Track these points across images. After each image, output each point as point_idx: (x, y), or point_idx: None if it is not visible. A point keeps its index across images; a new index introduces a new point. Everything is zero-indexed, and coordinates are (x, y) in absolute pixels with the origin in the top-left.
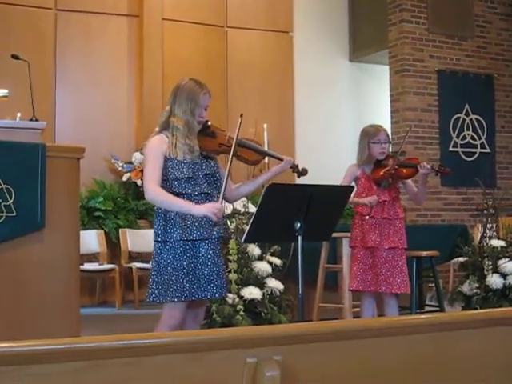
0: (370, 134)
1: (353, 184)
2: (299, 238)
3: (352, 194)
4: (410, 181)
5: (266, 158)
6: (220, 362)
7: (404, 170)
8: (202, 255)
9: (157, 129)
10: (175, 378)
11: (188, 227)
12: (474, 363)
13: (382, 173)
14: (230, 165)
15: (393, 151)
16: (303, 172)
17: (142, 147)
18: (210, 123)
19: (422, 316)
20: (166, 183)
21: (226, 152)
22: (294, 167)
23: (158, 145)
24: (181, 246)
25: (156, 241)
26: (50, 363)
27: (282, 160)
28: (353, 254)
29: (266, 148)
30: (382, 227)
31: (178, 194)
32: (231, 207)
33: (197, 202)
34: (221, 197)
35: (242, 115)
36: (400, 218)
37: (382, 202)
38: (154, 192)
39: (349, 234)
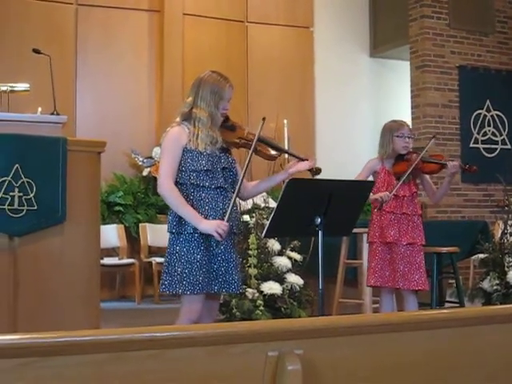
0: (393, 129)
1: (370, 178)
2: (320, 233)
3: None
4: (428, 178)
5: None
6: (241, 356)
7: (428, 166)
8: (213, 249)
9: (178, 119)
10: (196, 370)
11: None
12: (495, 358)
13: (404, 167)
14: (249, 161)
15: (413, 147)
16: (317, 171)
17: (162, 138)
18: (229, 117)
19: (443, 311)
20: (183, 174)
21: (244, 146)
22: (313, 169)
23: (177, 136)
24: (195, 239)
25: (170, 232)
26: (72, 355)
27: (302, 160)
28: (371, 250)
29: (286, 145)
30: (401, 223)
31: (195, 186)
32: (251, 202)
33: (213, 197)
34: (227, 214)
35: (264, 119)
36: (418, 214)
37: (401, 197)
38: (169, 190)
39: None
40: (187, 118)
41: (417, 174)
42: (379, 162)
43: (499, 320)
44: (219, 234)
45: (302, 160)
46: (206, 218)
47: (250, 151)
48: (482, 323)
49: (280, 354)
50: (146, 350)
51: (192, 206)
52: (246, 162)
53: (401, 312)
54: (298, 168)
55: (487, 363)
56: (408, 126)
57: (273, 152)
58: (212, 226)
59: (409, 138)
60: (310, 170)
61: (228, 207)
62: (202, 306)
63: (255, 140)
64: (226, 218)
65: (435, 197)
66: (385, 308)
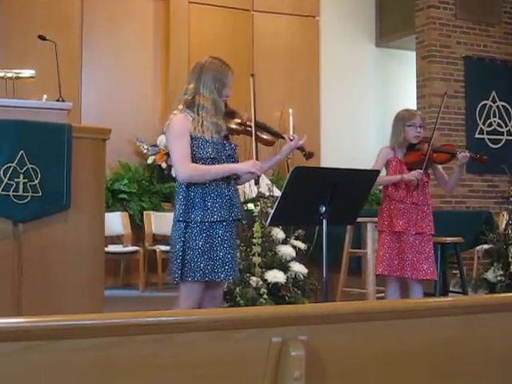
0: (405, 118)
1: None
2: (324, 221)
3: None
4: (441, 168)
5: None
6: (245, 341)
7: (439, 156)
8: (219, 237)
9: (180, 106)
10: (201, 355)
11: (209, 208)
12: (499, 346)
13: (416, 157)
14: (256, 141)
15: (424, 137)
16: (310, 155)
17: (165, 127)
18: (227, 103)
19: (448, 299)
20: None
21: (244, 132)
22: (302, 148)
23: (183, 123)
24: (197, 226)
25: (177, 220)
26: (77, 339)
27: (291, 140)
28: (380, 239)
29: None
30: (410, 213)
31: None
32: (256, 190)
33: (217, 184)
34: (254, 155)
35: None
36: (428, 203)
37: (412, 186)
38: (192, 169)
39: (373, 219)
40: (190, 105)
41: (429, 164)
42: (391, 150)
43: (504, 308)
44: (257, 169)
45: (291, 140)
46: (212, 205)
47: (253, 133)
48: (487, 311)
49: (284, 339)
50: (151, 335)
51: (197, 193)
52: (253, 140)
53: (404, 299)
54: (291, 146)
55: (491, 351)
56: (420, 115)
57: (269, 137)
58: (247, 164)
59: (420, 127)
60: (303, 154)
61: (234, 196)
62: (201, 295)
63: (253, 123)
64: (253, 158)
65: (447, 186)
66: (390, 297)
